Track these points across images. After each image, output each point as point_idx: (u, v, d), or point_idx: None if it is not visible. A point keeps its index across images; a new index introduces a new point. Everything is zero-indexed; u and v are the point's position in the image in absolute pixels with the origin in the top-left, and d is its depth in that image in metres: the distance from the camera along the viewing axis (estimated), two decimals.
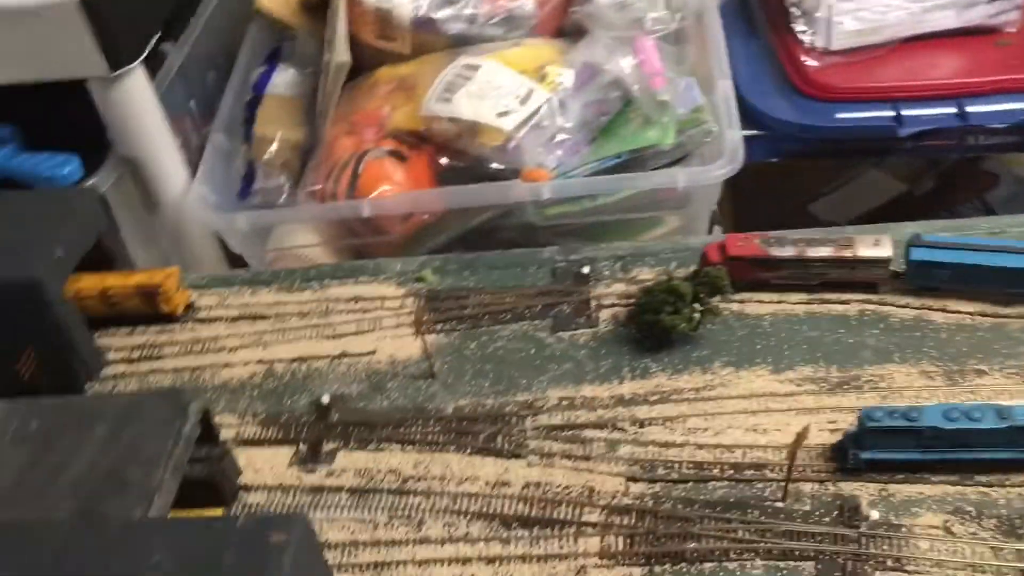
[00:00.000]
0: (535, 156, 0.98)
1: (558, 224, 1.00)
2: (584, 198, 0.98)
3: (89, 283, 0.78)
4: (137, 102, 0.99)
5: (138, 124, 1.00)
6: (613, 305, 0.76)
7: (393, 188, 0.99)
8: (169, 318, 0.80)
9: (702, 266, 0.74)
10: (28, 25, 0.91)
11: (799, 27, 1.11)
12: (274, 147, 1.05)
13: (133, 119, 0.99)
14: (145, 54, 0.97)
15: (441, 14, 1.03)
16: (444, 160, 1.00)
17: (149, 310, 0.79)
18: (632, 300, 0.75)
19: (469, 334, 0.76)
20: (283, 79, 1.09)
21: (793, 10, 1.12)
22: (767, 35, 1.17)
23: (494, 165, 0.98)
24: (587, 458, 0.65)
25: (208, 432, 0.66)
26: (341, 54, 1.03)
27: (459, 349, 0.75)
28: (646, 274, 0.78)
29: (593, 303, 0.76)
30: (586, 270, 0.78)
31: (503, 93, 0.99)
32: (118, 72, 0.95)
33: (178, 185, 1.04)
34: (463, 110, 0.98)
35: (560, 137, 0.99)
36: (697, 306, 0.71)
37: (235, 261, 1.06)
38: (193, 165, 1.05)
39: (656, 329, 0.71)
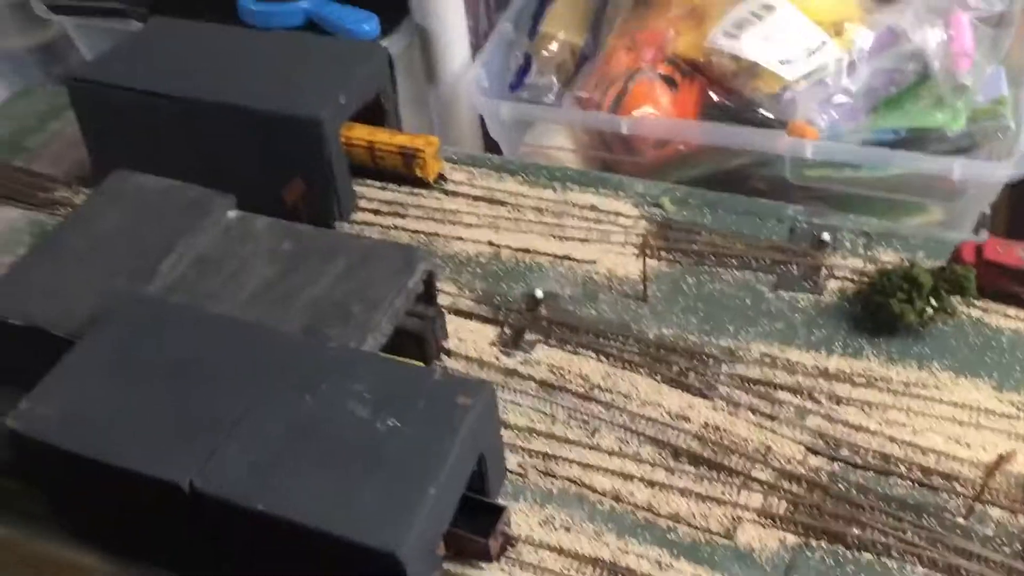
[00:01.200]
0: (808, 112, 0.94)
1: (812, 187, 0.97)
2: (848, 166, 0.94)
3: (360, 133, 0.84)
4: None
5: None
6: (844, 278, 0.73)
7: (657, 111, 0.99)
8: (420, 183, 0.85)
9: (951, 263, 0.70)
10: None
11: None
12: (554, 46, 1.08)
13: None
14: None
15: None
16: (714, 96, 0.99)
17: (405, 171, 0.85)
18: (866, 278, 0.72)
19: (690, 269, 0.76)
20: None
21: None
22: None
23: (763, 112, 0.96)
24: (773, 418, 0.65)
25: (429, 293, 0.71)
26: None
27: (677, 281, 0.75)
28: (888, 256, 0.74)
29: (824, 271, 0.74)
30: (826, 237, 0.76)
31: (792, 41, 0.96)
32: None
33: (458, 63, 1.09)
34: (747, 49, 0.96)
35: (840, 99, 0.96)
36: (933, 301, 0.67)
37: (490, 146, 1.11)
38: (476, 48, 1.10)
39: (883, 313, 0.68)
